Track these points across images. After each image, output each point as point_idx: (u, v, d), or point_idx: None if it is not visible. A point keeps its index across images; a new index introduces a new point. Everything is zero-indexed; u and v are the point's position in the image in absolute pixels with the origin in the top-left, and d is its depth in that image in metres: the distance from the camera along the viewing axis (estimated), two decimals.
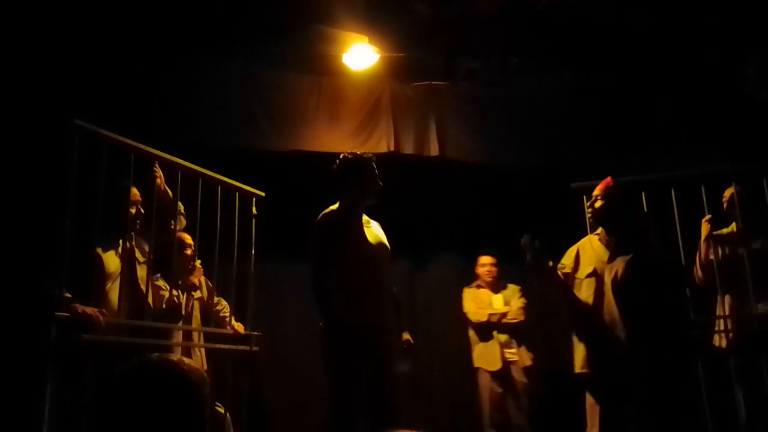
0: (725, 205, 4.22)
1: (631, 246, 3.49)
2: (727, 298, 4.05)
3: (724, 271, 4.01)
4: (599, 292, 3.47)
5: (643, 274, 3.40)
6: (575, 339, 3.55)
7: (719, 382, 3.93)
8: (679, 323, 3.43)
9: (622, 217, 3.57)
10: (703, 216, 4.14)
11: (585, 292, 3.52)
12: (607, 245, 3.57)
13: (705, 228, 4.14)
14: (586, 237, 3.74)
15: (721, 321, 4.09)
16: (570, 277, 3.63)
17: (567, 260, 3.69)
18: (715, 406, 3.83)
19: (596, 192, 3.64)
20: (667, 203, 4.04)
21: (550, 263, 3.63)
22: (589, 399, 3.49)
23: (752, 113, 5.12)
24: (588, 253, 3.62)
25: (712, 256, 4.06)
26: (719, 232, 4.19)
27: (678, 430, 3.35)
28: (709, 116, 5.34)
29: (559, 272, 3.67)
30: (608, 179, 3.64)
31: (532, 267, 3.59)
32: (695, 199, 4.07)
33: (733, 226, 4.20)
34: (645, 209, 4.10)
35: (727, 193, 4.19)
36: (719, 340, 4.09)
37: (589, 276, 3.53)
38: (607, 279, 3.46)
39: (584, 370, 3.47)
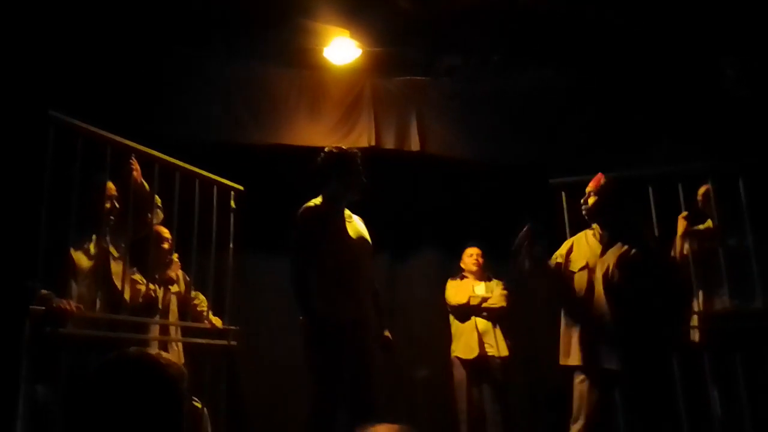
0: (699, 201, 4.26)
1: (624, 240, 3.53)
2: (702, 294, 4.10)
3: (700, 267, 4.05)
4: (590, 285, 3.51)
5: (634, 269, 3.43)
6: (563, 329, 3.58)
7: (695, 378, 3.98)
8: (668, 318, 3.47)
9: (616, 213, 3.60)
10: (680, 213, 4.18)
11: (577, 285, 3.55)
12: (600, 240, 3.61)
13: (681, 225, 4.18)
14: (582, 232, 3.77)
15: (696, 317, 4.14)
16: (561, 269, 3.66)
17: (561, 252, 3.73)
18: (690, 402, 3.87)
19: (589, 188, 3.66)
20: (645, 201, 4.07)
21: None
22: (577, 389, 3.52)
23: (730, 112, 5.18)
24: (582, 247, 3.65)
25: (686, 252, 4.10)
26: (695, 228, 4.24)
27: (658, 421, 3.39)
28: (688, 114, 5.39)
29: (552, 262, 3.71)
30: (600, 175, 3.66)
31: (527, 254, 3.61)
32: (672, 197, 4.11)
33: (709, 223, 4.25)
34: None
35: (701, 190, 4.24)
36: (694, 336, 4.14)
37: (581, 269, 3.57)
38: (599, 273, 3.50)
39: (572, 362, 3.50)
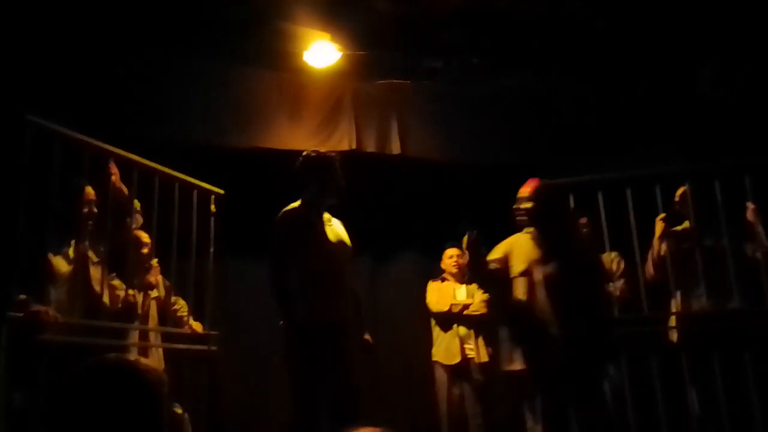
0: (677, 203, 4.31)
1: (561, 244, 3.57)
2: (679, 294, 4.14)
3: (677, 268, 4.10)
4: (531, 290, 3.55)
5: (574, 273, 3.48)
6: (504, 335, 3.63)
7: (674, 377, 4.02)
8: (601, 320, 3.52)
9: (553, 217, 3.64)
10: (657, 215, 4.22)
11: (519, 289, 3.59)
12: (538, 244, 3.64)
13: (659, 226, 4.23)
14: (517, 235, 3.80)
15: (674, 317, 4.18)
16: (500, 273, 3.69)
17: (496, 255, 3.76)
18: (669, 402, 3.91)
19: (524, 194, 3.69)
20: (623, 202, 4.11)
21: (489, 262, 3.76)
22: (529, 396, 3.58)
23: (706, 114, 5.25)
24: (520, 251, 3.70)
25: (664, 253, 4.15)
26: (673, 229, 4.29)
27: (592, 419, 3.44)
28: (665, 117, 5.46)
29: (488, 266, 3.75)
30: (535, 180, 3.70)
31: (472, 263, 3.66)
32: (650, 199, 4.16)
33: (686, 224, 4.30)
34: (578, 208, 4.26)
35: (679, 191, 4.29)
36: (672, 336, 4.18)
37: (522, 274, 3.61)
38: (540, 277, 3.54)
39: (516, 367, 3.54)
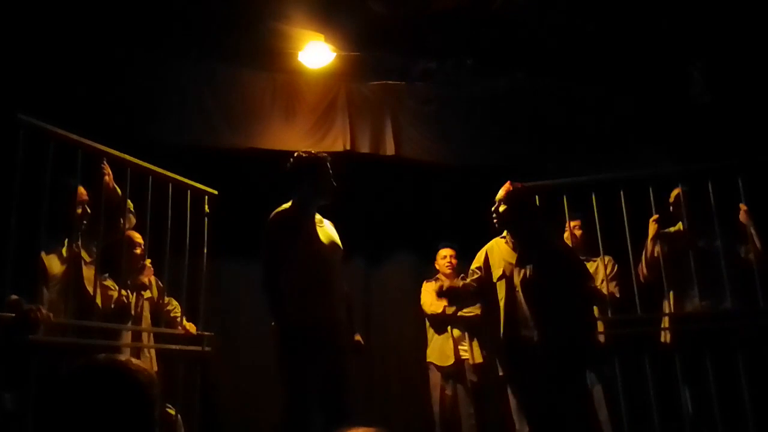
0: (672, 205, 4.33)
1: (535, 247, 3.58)
2: (672, 295, 4.16)
3: (670, 269, 4.11)
4: (511, 294, 3.56)
5: (549, 276, 3.49)
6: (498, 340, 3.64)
7: (667, 378, 4.03)
8: (582, 322, 3.52)
9: (526, 220, 3.65)
10: (651, 216, 4.24)
11: (499, 294, 3.60)
12: (513, 248, 3.66)
13: (652, 227, 4.24)
14: (494, 240, 3.81)
15: (667, 318, 4.20)
16: (483, 281, 3.70)
17: (477, 263, 3.79)
18: (662, 402, 3.92)
19: (498, 197, 3.71)
20: (616, 203, 4.12)
21: (460, 283, 3.83)
22: (513, 399, 3.58)
23: (697, 117, 5.27)
24: (497, 255, 3.71)
25: (657, 254, 4.16)
26: (666, 230, 4.30)
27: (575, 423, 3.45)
28: (657, 119, 5.48)
29: (470, 278, 3.78)
30: (508, 184, 3.71)
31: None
32: (643, 200, 4.17)
33: (680, 225, 4.31)
34: (571, 209, 4.27)
35: (674, 193, 4.30)
36: (665, 337, 4.19)
37: (500, 278, 3.63)
38: (517, 280, 3.56)
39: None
